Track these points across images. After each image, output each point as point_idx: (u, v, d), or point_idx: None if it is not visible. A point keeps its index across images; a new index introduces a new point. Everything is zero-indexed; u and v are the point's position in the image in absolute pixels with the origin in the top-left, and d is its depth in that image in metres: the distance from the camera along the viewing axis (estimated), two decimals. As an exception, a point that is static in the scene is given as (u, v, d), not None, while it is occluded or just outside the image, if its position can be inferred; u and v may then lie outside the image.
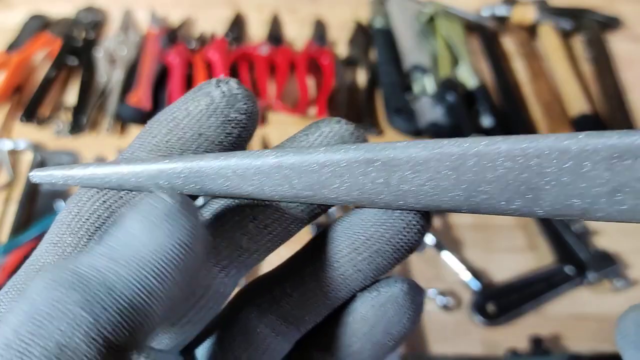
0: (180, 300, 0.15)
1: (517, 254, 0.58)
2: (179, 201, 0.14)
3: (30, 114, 0.66)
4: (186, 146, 0.16)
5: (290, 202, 0.17)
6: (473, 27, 0.77)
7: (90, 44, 0.74)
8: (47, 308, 0.12)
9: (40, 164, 0.63)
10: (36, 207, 0.60)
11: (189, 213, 0.13)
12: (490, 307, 0.53)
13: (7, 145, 0.64)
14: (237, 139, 0.16)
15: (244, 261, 0.18)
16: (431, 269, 0.57)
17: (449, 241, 0.58)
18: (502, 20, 0.77)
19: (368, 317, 0.18)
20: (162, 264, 0.13)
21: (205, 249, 0.14)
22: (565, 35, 0.76)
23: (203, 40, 0.75)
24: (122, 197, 0.17)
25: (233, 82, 0.16)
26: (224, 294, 0.18)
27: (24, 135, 0.65)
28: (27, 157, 0.64)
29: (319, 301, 0.18)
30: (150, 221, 0.13)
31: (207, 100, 0.16)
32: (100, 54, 0.73)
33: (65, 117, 0.67)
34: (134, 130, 0.68)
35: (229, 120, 0.16)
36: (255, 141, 0.65)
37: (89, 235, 0.16)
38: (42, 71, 0.70)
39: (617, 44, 0.76)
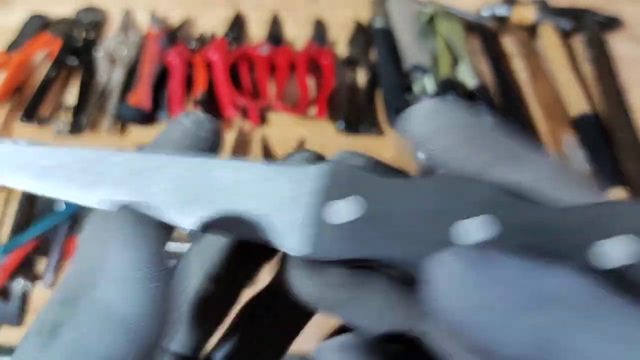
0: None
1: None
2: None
3: (30, 114, 0.66)
4: None
5: None
6: (473, 27, 0.77)
7: (90, 44, 0.74)
8: None
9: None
10: (36, 207, 0.60)
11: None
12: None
13: (7, 145, 0.64)
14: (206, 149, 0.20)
15: None
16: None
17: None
18: (502, 20, 0.77)
19: None
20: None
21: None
22: (565, 35, 0.76)
23: (203, 40, 0.75)
24: None
25: (199, 113, 0.20)
26: None
27: (24, 135, 0.65)
28: (27, 157, 0.64)
29: None
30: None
31: (180, 127, 0.20)
32: (100, 54, 0.73)
33: (65, 117, 0.67)
34: (134, 130, 0.68)
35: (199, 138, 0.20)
36: (256, 142, 0.65)
37: None
38: (42, 71, 0.70)
39: (617, 44, 0.76)
